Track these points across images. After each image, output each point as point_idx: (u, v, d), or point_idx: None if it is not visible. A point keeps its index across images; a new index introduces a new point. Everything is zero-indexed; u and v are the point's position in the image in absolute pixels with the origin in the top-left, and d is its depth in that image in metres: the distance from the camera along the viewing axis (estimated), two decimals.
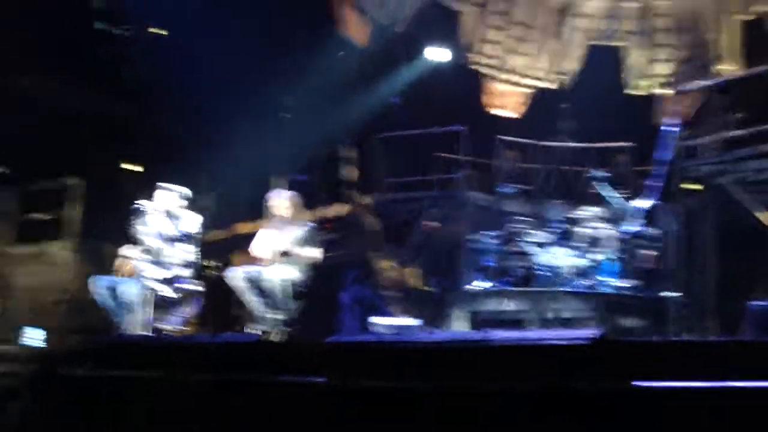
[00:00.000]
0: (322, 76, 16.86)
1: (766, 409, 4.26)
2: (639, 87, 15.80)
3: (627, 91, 15.79)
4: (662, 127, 11.22)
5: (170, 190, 9.77)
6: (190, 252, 9.64)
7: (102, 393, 7.43)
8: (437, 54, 16.76)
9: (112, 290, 9.50)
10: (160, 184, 9.88)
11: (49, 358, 8.78)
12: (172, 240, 9.55)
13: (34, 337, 12.23)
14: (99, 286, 9.54)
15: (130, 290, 9.30)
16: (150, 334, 9.25)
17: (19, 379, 8.75)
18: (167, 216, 9.62)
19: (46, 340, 12.55)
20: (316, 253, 9.09)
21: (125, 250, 9.90)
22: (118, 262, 9.94)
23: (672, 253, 11.19)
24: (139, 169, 20.01)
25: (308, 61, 16.85)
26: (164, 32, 17.61)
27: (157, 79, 17.14)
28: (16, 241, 16.34)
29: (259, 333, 8.60)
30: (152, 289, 9.29)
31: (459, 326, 12.07)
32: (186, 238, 9.60)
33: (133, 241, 9.95)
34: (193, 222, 9.69)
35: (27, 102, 17.84)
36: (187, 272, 9.60)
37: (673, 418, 4.45)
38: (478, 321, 11.86)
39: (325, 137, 16.37)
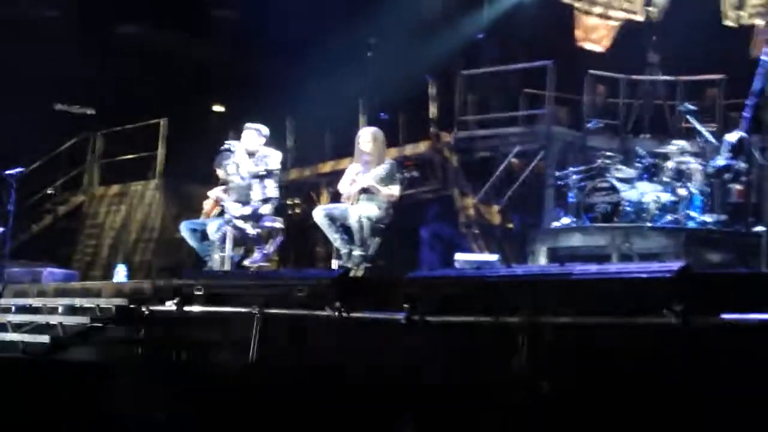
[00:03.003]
0: (407, 12, 16.71)
1: None
2: (732, 17, 15.28)
3: (721, 22, 15.30)
4: (757, 59, 10.85)
5: (250, 128, 9.83)
6: (271, 188, 9.69)
7: (187, 327, 7.57)
8: None
9: (198, 232, 9.67)
10: (247, 125, 9.93)
11: (137, 294, 8.95)
12: (255, 177, 9.60)
13: (123, 273, 12.51)
14: (186, 228, 9.72)
15: (215, 229, 9.43)
16: (234, 270, 9.38)
17: (108, 313, 8.97)
18: (249, 154, 9.67)
19: (135, 277, 12.82)
20: (395, 190, 9.05)
21: (212, 191, 10.05)
22: (205, 203, 10.10)
23: (761, 187, 10.90)
24: (222, 109, 20.21)
25: None
26: None
27: (243, 20, 17.21)
28: (105, 182, 16.72)
29: (342, 269, 8.62)
30: (236, 227, 9.38)
31: (539, 262, 11.97)
32: (267, 174, 9.64)
33: (218, 180, 10.08)
34: (274, 158, 9.73)
35: (115, 45, 18.10)
36: (269, 208, 9.67)
37: (762, 351, 4.33)
38: (560, 257, 11.72)
39: (409, 75, 16.26)
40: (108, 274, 14.03)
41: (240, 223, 9.43)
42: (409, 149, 14.86)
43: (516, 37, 16.38)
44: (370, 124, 10.97)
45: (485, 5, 17.25)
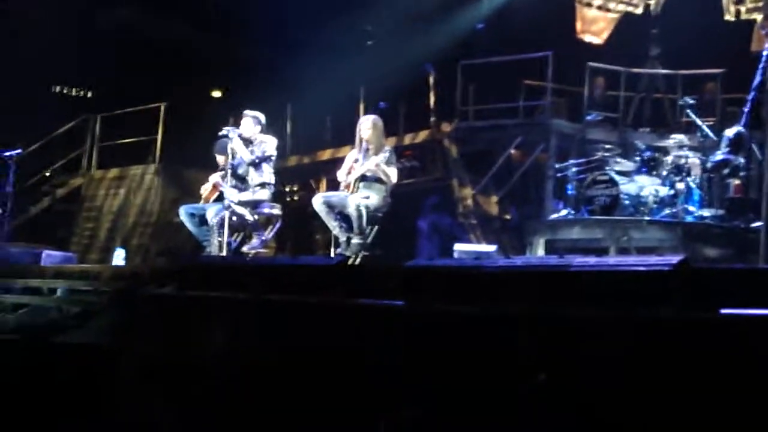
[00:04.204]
0: (407, 2, 16.71)
1: None
2: (732, 12, 15.29)
3: (721, 16, 15.31)
4: (758, 54, 10.86)
5: (248, 116, 9.89)
6: (268, 173, 9.76)
7: (184, 313, 7.57)
8: None
9: (197, 217, 9.71)
10: (246, 111, 10.00)
11: (135, 278, 8.95)
12: (252, 164, 9.65)
13: (121, 256, 12.53)
14: (185, 212, 9.76)
15: (213, 214, 9.46)
16: (232, 255, 9.41)
17: (106, 296, 8.98)
18: (246, 141, 9.73)
19: (132, 260, 12.84)
20: (393, 174, 9.07)
21: (210, 177, 10.09)
22: (204, 188, 10.14)
23: (760, 182, 10.91)
24: (221, 95, 20.21)
25: None
26: None
27: (243, 6, 17.20)
28: (104, 165, 16.73)
29: (340, 256, 8.65)
30: (234, 213, 9.42)
31: (537, 254, 12.00)
32: (264, 159, 9.71)
33: (217, 165, 10.12)
34: (270, 144, 9.80)
35: (114, 31, 18.09)
36: (266, 194, 9.72)
37: (760, 347, 4.34)
38: (558, 249, 11.76)
39: (409, 64, 16.27)
40: (106, 258, 14.06)
41: (238, 209, 9.48)
42: (409, 139, 14.89)
43: (515, 28, 16.38)
44: (369, 112, 10.99)
45: None
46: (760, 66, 9.99)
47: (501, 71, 14.97)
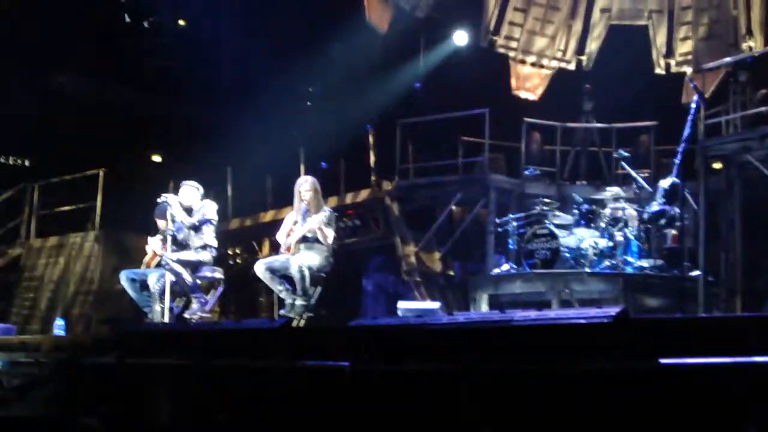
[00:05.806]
0: (345, 63, 16.87)
1: None
2: (662, 66, 15.68)
3: (652, 70, 15.68)
4: (687, 106, 11.15)
5: (186, 185, 9.90)
6: (209, 236, 9.72)
7: (127, 381, 7.48)
8: (459, 38, 16.71)
9: (138, 282, 9.61)
10: (184, 182, 10.00)
11: (77, 348, 8.82)
12: (192, 227, 9.63)
13: (62, 326, 12.34)
14: (125, 278, 9.66)
15: (155, 280, 9.38)
16: (175, 322, 9.32)
17: (47, 367, 8.83)
18: (186, 210, 9.71)
19: (74, 330, 12.65)
20: (330, 234, 9.09)
21: (151, 242, 10.00)
22: (147, 254, 10.06)
23: (695, 232, 11.14)
24: (161, 159, 20.13)
25: (331, 48, 16.85)
26: (186, 23, 17.70)
27: (181, 70, 17.23)
28: (43, 233, 16.49)
29: (284, 318, 8.62)
30: (173, 271, 9.35)
31: (481, 309, 12.06)
32: (205, 222, 9.69)
33: (157, 230, 10.06)
34: (210, 208, 9.79)
35: (51, 98, 17.98)
36: (208, 256, 9.68)
37: (700, 395, 4.41)
38: (501, 303, 11.84)
39: (349, 124, 16.38)
40: (47, 328, 13.83)
41: (176, 267, 9.38)
42: (350, 198, 14.94)
43: (452, 86, 16.61)
44: (310, 172, 11.04)
45: (422, 54, 17.49)
46: (690, 118, 10.25)
47: (439, 129, 15.15)
